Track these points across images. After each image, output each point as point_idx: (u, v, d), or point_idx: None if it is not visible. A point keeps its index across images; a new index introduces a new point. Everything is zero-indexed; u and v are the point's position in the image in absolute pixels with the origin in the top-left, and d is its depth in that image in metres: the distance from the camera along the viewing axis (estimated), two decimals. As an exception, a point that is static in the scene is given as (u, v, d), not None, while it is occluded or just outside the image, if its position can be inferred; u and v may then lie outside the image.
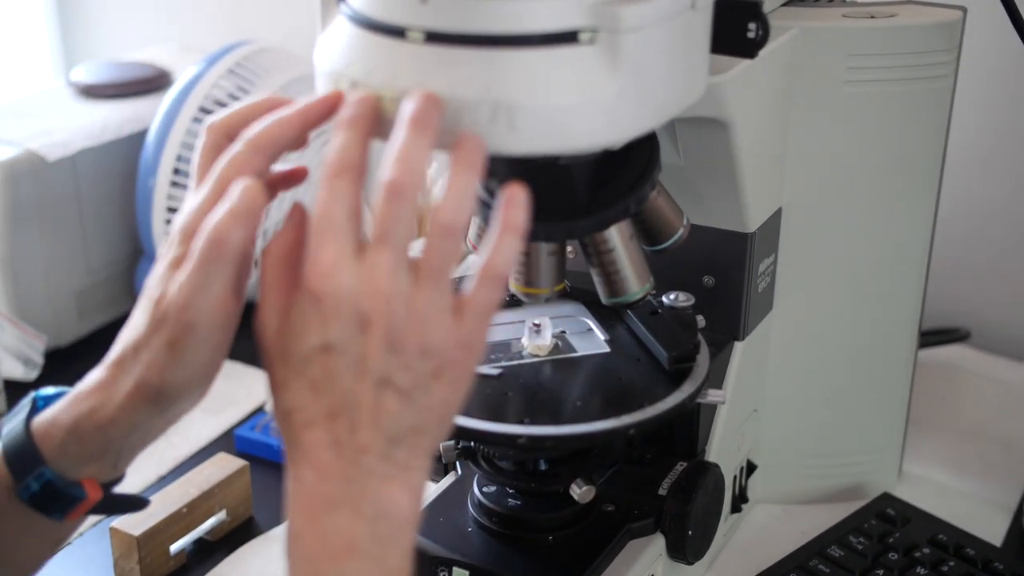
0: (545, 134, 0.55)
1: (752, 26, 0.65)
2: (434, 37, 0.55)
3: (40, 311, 1.11)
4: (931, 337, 1.10)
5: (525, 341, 0.75)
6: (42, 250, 1.11)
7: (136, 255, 1.20)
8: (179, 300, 0.54)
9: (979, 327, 1.15)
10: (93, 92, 1.23)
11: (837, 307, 0.88)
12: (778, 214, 0.84)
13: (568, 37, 0.55)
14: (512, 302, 0.78)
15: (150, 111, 1.17)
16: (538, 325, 0.74)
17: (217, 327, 0.55)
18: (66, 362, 1.12)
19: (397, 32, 0.56)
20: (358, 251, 0.52)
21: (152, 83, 1.24)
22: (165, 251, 0.57)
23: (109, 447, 0.59)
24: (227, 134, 0.59)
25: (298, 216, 0.56)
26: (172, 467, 0.98)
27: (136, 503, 0.64)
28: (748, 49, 0.65)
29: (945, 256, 1.08)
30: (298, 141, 0.59)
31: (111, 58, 1.37)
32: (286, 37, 1.29)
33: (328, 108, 0.57)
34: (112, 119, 1.18)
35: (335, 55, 0.58)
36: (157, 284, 0.56)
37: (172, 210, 1.13)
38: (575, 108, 0.55)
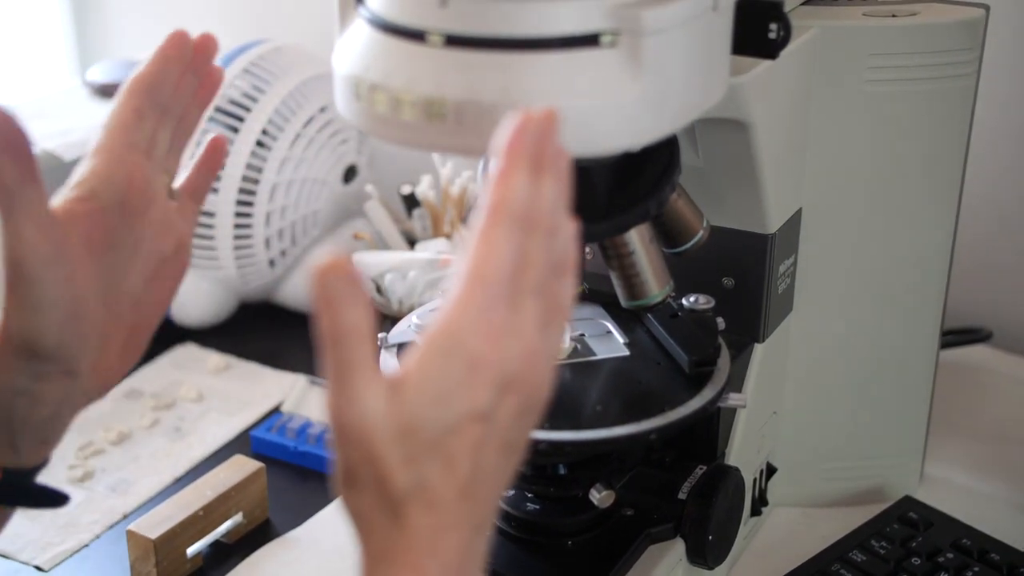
0: (567, 138, 0.55)
1: (773, 27, 0.64)
2: (454, 40, 0.54)
3: (56, 312, 1.11)
4: (953, 337, 1.09)
5: (544, 344, 0.74)
6: (58, 251, 1.11)
7: (152, 255, 1.19)
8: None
9: (1001, 327, 1.14)
10: (109, 92, 1.23)
11: (858, 308, 0.87)
12: (798, 215, 0.83)
13: (589, 40, 0.54)
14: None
15: (166, 111, 1.17)
16: (557, 328, 0.74)
17: (45, 261, 0.53)
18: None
19: (417, 35, 0.55)
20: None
21: (167, 83, 1.24)
22: None
23: None
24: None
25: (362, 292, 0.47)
26: (188, 468, 0.98)
27: (52, 497, 0.59)
28: (769, 50, 0.65)
29: (967, 255, 1.07)
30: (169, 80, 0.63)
31: (127, 57, 1.37)
32: (302, 36, 1.29)
33: (174, 46, 0.63)
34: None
35: (354, 58, 0.58)
36: None
37: (188, 210, 1.13)
38: (596, 112, 0.55)
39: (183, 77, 0.65)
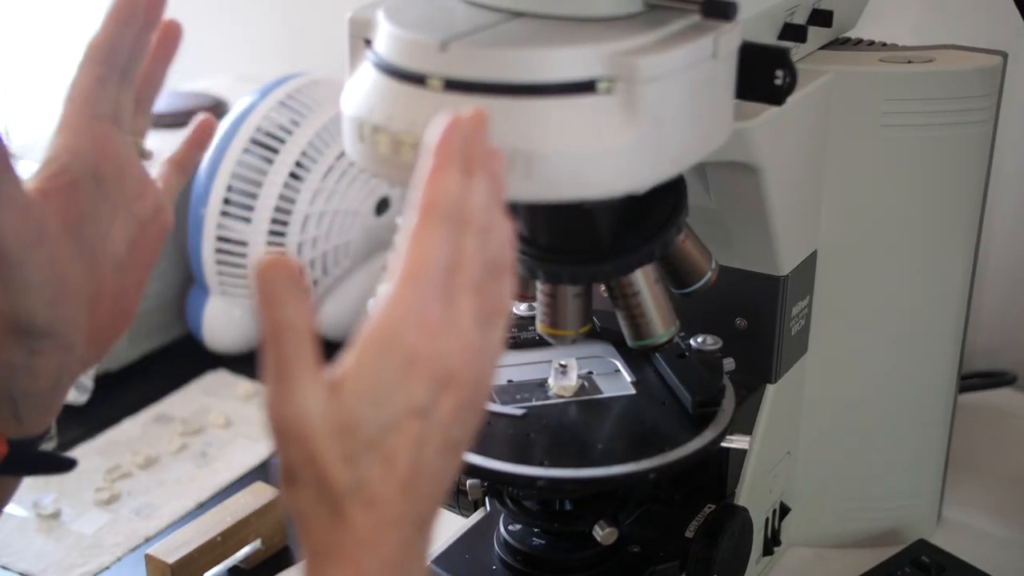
0: (562, 182, 0.56)
1: (779, 73, 0.64)
2: (453, 85, 0.56)
3: (92, 336, 1.14)
4: (977, 380, 1.08)
5: (551, 381, 0.75)
6: (95, 276, 1.13)
7: (186, 283, 1.22)
8: None
9: (1026, 371, 1.12)
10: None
11: (874, 350, 0.87)
12: (813, 256, 0.83)
13: (586, 86, 0.55)
14: (540, 341, 0.78)
15: (203, 142, 1.19)
16: (564, 366, 0.75)
17: (26, 245, 0.54)
18: (116, 386, 1.14)
19: (417, 79, 0.57)
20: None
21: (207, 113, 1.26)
22: None
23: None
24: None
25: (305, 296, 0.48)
26: (212, 494, 1.00)
27: (58, 463, 0.60)
28: (775, 96, 0.65)
29: (992, 297, 1.06)
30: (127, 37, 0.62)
31: (173, 86, 1.39)
32: (338, 69, 1.31)
33: (124, 6, 0.61)
34: (167, 148, 1.20)
35: (359, 100, 0.60)
36: None
37: (222, 239, 1.15)
38: (592, 157, 0.56)
39: (139, 36, 0.63)
